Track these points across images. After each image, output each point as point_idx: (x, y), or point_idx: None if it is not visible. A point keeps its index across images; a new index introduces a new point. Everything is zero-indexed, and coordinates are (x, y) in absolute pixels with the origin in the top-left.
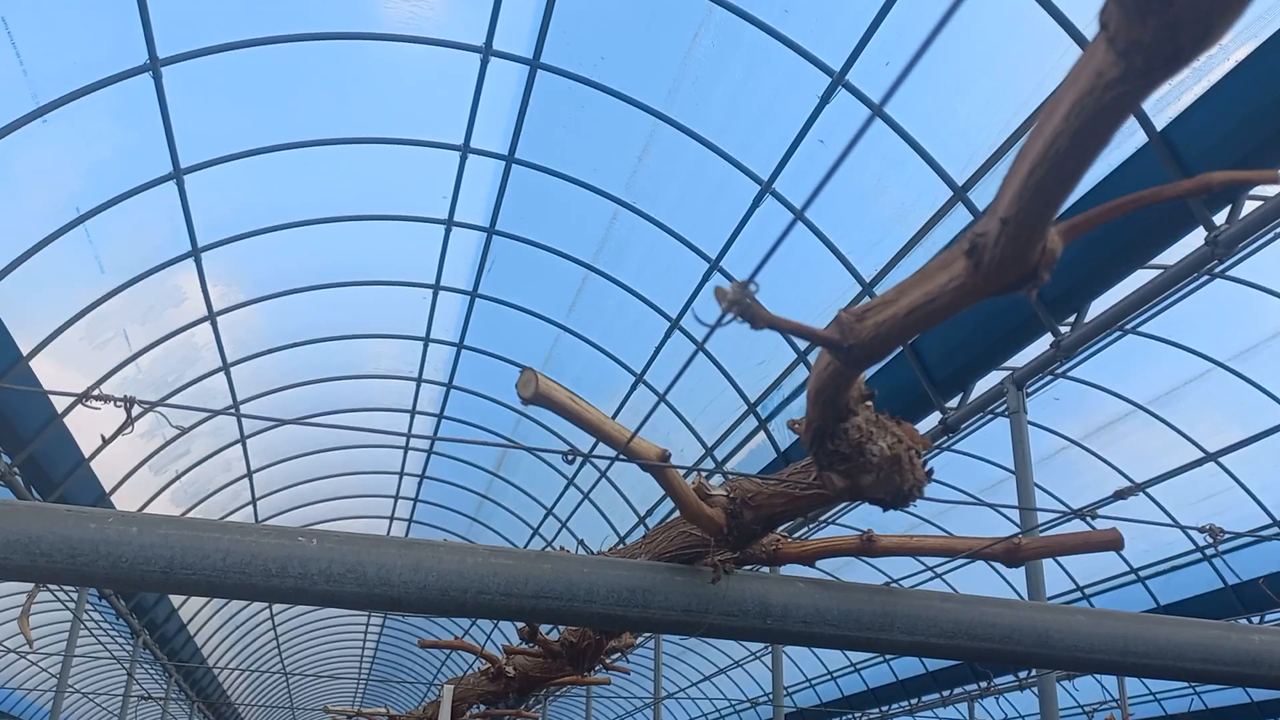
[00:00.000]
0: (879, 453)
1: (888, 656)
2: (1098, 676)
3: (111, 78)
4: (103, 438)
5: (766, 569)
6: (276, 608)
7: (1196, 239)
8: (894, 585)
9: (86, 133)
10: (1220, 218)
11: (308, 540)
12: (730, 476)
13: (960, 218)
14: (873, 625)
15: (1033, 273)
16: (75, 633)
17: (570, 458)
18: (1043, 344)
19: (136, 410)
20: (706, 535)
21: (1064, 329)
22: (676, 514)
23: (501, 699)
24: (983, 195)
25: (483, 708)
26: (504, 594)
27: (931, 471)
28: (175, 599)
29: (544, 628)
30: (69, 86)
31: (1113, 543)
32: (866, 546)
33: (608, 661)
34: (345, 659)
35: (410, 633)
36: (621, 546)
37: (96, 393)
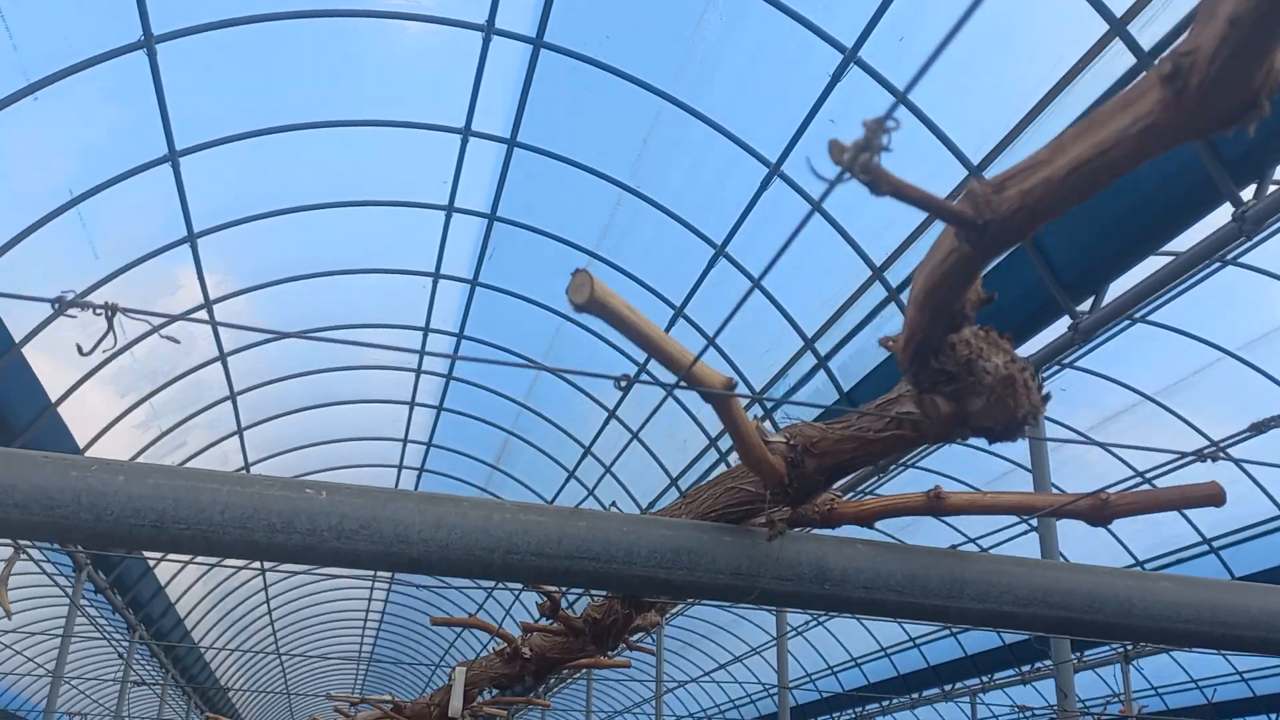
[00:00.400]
0: (993, 371)
1: (888, 651)
2: (1097, 671)
3: (104, 55)
4: (79, 348)
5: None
6: (272, 589)
7: (1216, 221)
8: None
9: (79, 112)
10: (1247, 194)
11: (316, 493)
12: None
13: None
14: (940, 592)
15: (1253, 100)
16: (71, 623)
17: (621, 383)
18: (1058, 328)
19: (119, 319)
20: (761, 490)
21: (1082, 313)
22: (718, 473)
23: (516, 682)
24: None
25: (494, 692)
26: (535, 554)
27: (1048, 397)
28: (173, 593)
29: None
30: (61, 63)
31: (1213, 497)
32: (934, 504)
33: (631, 641)
34: (344, 642)
35: (414, 613)
36: (654, 511)
37: (70, 298)
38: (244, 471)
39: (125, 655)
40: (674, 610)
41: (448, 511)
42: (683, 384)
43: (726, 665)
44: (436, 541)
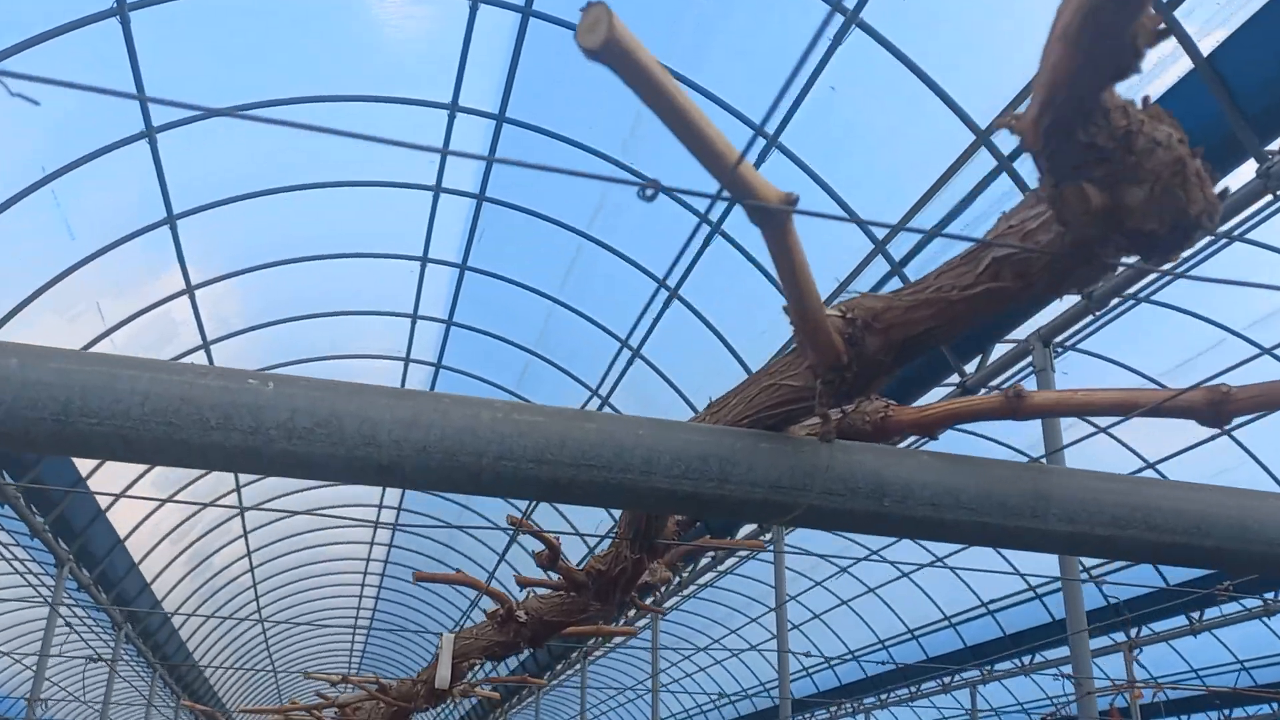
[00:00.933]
0: (1165, 141)
1: (886, 643)
2: (1095, 661)
3: (76, 22)
4: None
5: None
6: (256, 559)
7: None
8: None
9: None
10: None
11: (261, 384)
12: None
13: (983, 163)
14: (1021, 511)
15: None
16: (51, 625)
17: (649, 192)
18: (1066, 302)
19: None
20: (808, 383)
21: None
22: (756, 373)
23: (512, 651)
24: (1008, 139)
25: (490, 670)
26: (533, 460)
27: (1225, 193)
28: (159, 591)
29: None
30: (29, 31)
31: None
32: (1013, 405)
33: (640, 601)
34: (339, 616)
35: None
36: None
37: None
38: (236, 505)
39: (109, 658)
40: (682, 594)
41: (425, 408)
42: (725, 194)
43: (722, 661)
44: (411, 443)
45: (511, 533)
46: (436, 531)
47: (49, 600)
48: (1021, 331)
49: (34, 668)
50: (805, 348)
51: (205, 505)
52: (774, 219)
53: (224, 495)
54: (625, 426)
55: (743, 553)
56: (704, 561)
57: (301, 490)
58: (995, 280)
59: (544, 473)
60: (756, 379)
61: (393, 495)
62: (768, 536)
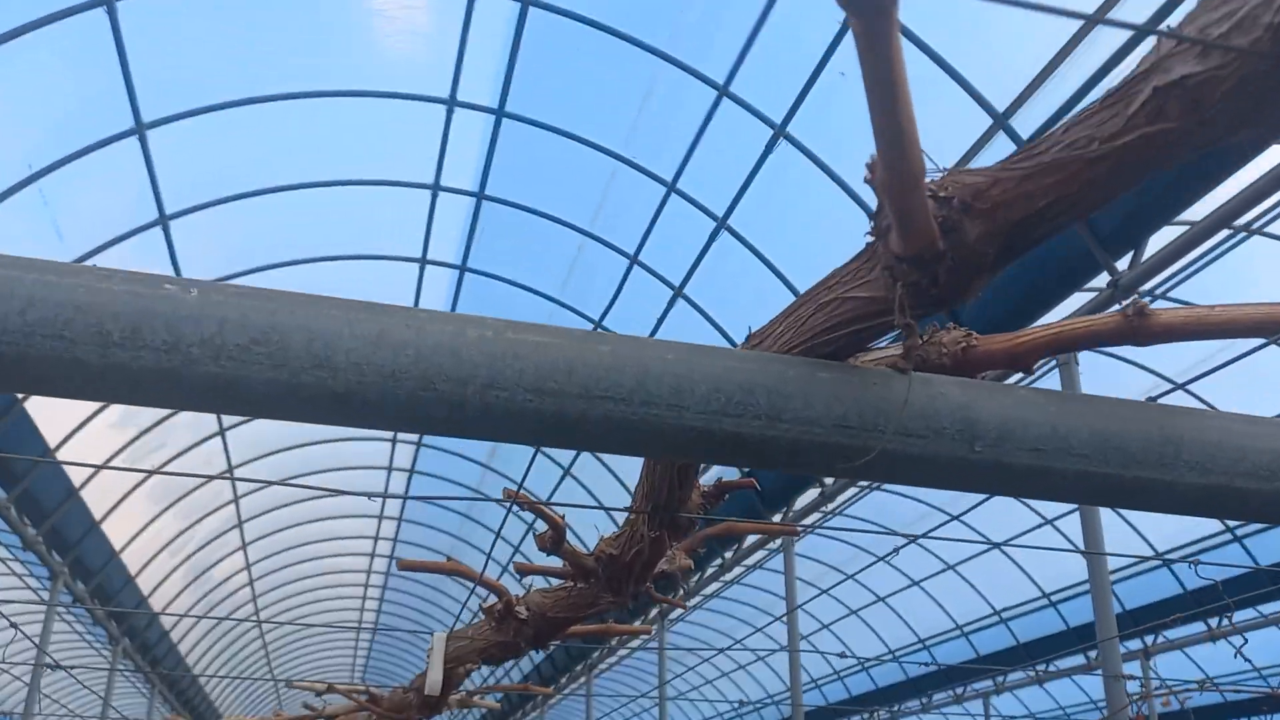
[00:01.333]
0: None
1: (897, 653)
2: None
3: (60, 13)
4: None
5: None
6: (256, 571)
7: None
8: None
9: (36, 78)
10: None
11: (182, 291)
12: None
13: (1002, 147)
14: (1146, 458)
15: None
16: (48, 632)
17: None
18: (1088, 297)
19: None
20: (883, 289)
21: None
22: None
23: (512, 654)
24: (1026, 123)
25: (487, 678)
26: (532, 389)
27: None
28: (157, 605)
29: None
30: (12, 23)
31: None
32: (1133, 325)
33: (656, 594)
34: (340, 624)
35: (423, 581)
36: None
37: None
38: (227, 476)
39: (71, 666)
40: (686, 605)
41: (394, 323)
42: None
43: (729, 673)
44: (377, 366)
45: (509, 540)
46: (438, 544)
47: (13, 623)
48: None
49: (27, 680)
50: (892, 226)
51: (199, 490)
52: (874, 3)
53: (223, 506)
54: (649, 350)
55: (766, 549)
56: (710, 570)
57: (300, 501)
58: (1157, 120)
59: (547, 406)
60: (812, 295)
61: (393, 507)
62: (776, 544)
